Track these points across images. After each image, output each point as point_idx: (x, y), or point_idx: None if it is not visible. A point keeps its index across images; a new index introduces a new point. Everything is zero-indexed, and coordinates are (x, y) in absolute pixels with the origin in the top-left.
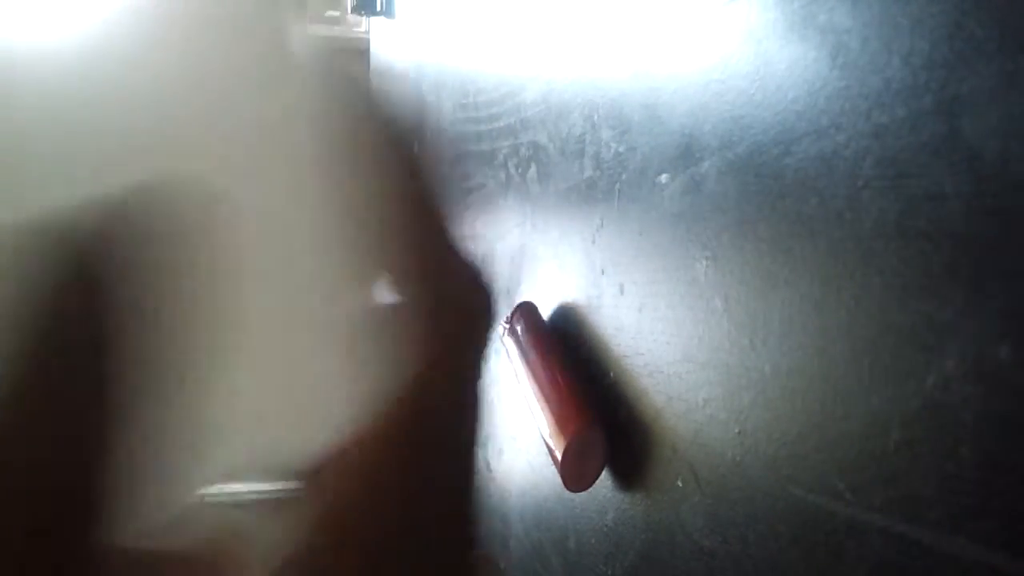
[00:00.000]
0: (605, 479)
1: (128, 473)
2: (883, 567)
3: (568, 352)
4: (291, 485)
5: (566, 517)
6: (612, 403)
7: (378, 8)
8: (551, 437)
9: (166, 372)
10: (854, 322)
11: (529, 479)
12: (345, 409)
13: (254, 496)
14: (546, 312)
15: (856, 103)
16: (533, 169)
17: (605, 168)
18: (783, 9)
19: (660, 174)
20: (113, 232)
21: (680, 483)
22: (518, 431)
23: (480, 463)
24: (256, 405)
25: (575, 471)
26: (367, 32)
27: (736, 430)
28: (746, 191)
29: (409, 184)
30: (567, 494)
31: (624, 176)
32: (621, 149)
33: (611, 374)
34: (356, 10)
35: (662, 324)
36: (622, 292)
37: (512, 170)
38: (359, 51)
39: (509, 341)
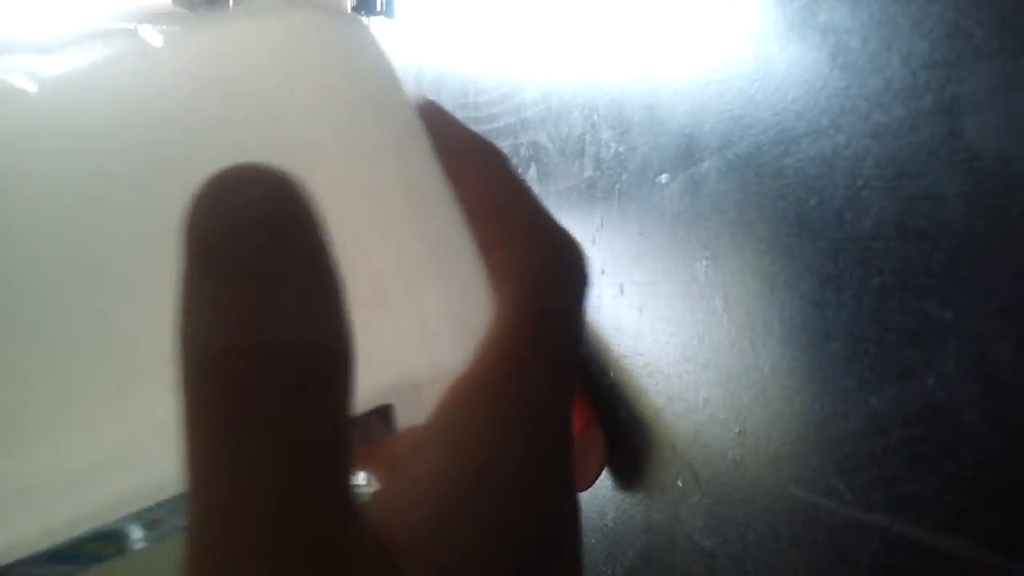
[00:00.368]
0: (605, 479)
1: None
2: (883, 567)
3: None
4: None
5: None
6: (612, 403)
7: (378, 8)
8: None
9: None
10: (854, 322)
11: None
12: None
13: None
14: None
15: (856, 103)
16: (533, 169)
17: (605, 168)
18: (783, 9)
19: (660, 174)
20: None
21: (680, 483)
22: None
23: None
24: None
25: (575, 471)
26: None
27: (736, 430)
28: (746, 191)
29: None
30: None
31: (624, 176)
32: (621, 149)
33: (611, 374)
34: (356, 10)
35: (662, 324)
36: (622, 292)
37: None
38: None
39: None
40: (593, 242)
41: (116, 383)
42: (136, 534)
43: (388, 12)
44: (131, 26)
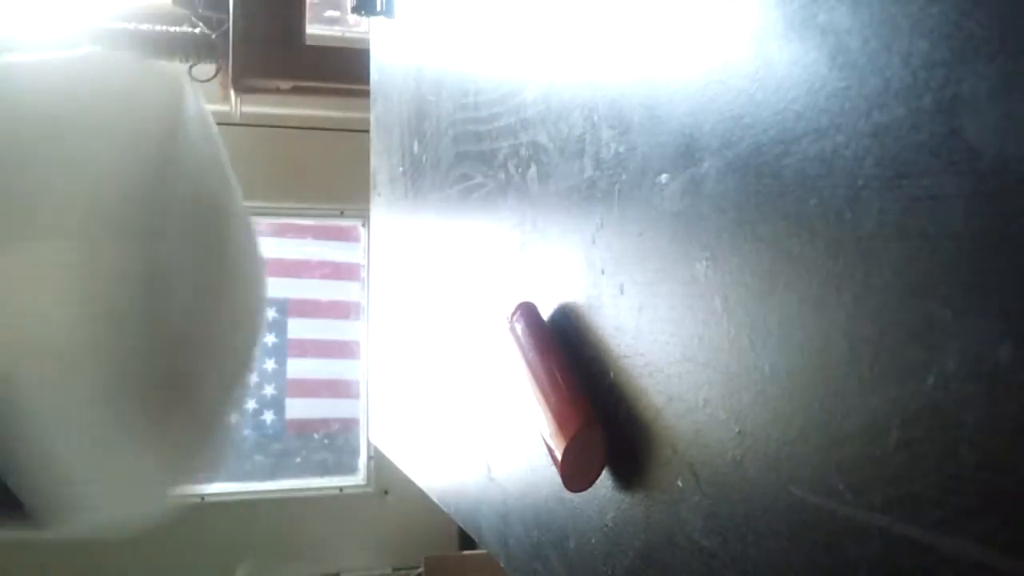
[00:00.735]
0: (605, 479)
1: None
2: (883, 567)
3: (568, 352)
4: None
5: (566, 517)
6: (612, 403)
7: (378, 8)
8: (551, 437)
9: None
10: (854, 322)
11: (529, 479)
12: None
13: None
14: (546, 312)
15: (856, 103)
16: (533, 169)
17: (605, 168)
18: (783, 9)
19: (660, 174)
20: None
21: (680, 483)
22: (518, 431)
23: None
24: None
25: (575, 471)
26: (367, 32)
27: (736, 430)
28: (746, 191)
29: None
30: (567, 494)
31: (624, 176)
32: (621, 149)
33: (611, 374)
34: (356, 10)
35: (662, 324)
36: (622, 292)
37: (512, 170)
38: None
39: (509, 341)
40: (593, 242)
41: None
42: None
43: (388, 12)
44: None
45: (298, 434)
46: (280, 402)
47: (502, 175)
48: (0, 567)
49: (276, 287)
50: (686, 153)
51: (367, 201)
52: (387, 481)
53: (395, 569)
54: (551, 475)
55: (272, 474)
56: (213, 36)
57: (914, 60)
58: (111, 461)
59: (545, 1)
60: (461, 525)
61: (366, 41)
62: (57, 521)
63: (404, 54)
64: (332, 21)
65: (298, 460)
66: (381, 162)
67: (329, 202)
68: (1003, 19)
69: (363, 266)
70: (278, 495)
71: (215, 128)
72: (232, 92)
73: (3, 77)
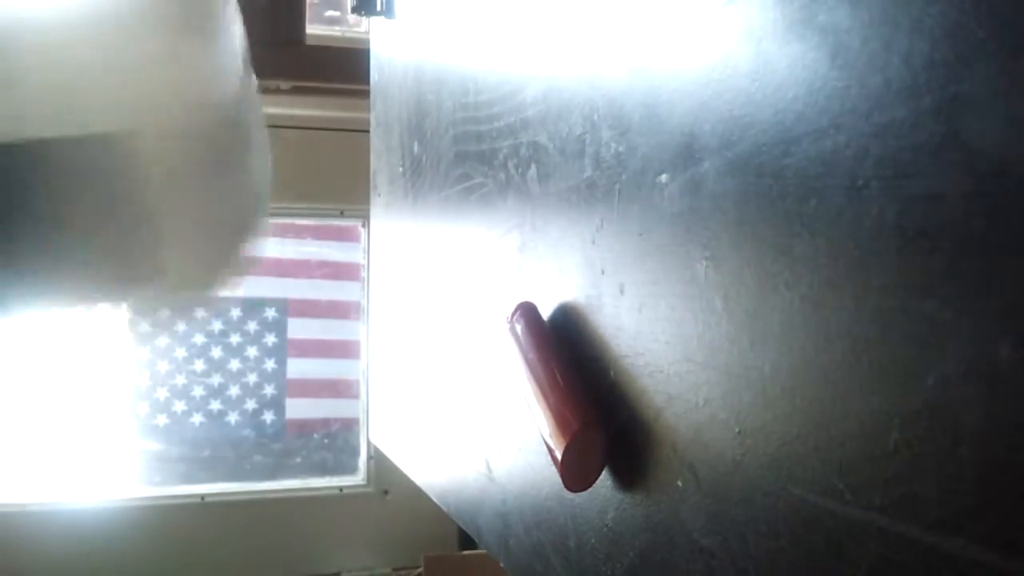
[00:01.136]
0: (605, 479)
1: None
2: (883, 567)
3: (568, 352)
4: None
5: (566, 517)
6: (612, 403)
7: (378, 8)
8: (551, 437)
9: None
10: (854, 322)
11: (529, 479)
12: None
13: None
14: (546, 312)
15: (856, 103)
16: (533, 169)
17: (605, 168)
18: (783, 9)
19: (660, 174)
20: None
21: (680, 483)
22: (518, 431)
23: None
24: None
25: (575, 471)
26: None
27: (736, 430)
28: (746, 191)
29: None
30: (567, 494)
31: (624, 176)
32: (621, 149)
33: (611, 374)
34: (356, 10)
35: (662, 324)
36: (622, 292)
37: (512, 170)
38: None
39: (509, 341)
40: (593, 242)
41: None
42: None
43: (388, 12)
44: None
45: (298, 434)
46: (280, 402)
47: (502, 175)
48: (9, 566)
49: (276, 287)
50: (686, 153)
51: (367, 201)
52: (387, 481)
53: (395, 569)
54: (551, 475)
55: (272, 474)
56: None
57: (914, 60)
58: (199, 226)
59: (545, 1)
60: (461, 525)
61: (366, 41)
62: (144, 285)
63: (404, 54)
64: (332, 21)
65: (298, 460)
66: (381, 162)
67: (329, 202)
68: (1003, 19)
69: (363, 266)
70: (278, 495)
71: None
72: None
73: None
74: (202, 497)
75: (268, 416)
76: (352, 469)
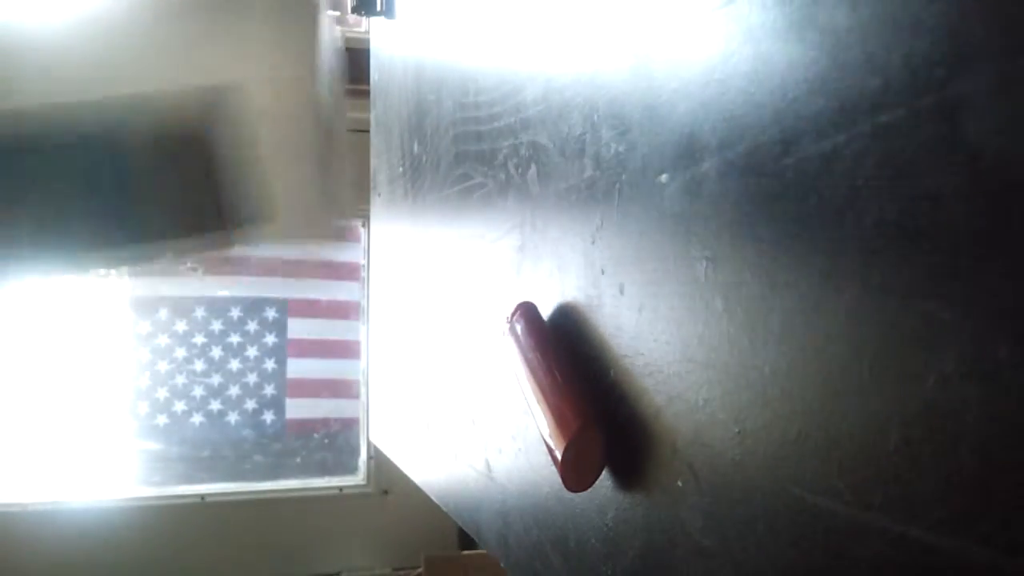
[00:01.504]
0: (605, 479)
1: None
2: (883, 567)
3: (568, 352)
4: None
5: (566, 517)
6: (612, 403)
7: (378, 8)
8: (551, 437)
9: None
10: (854, 322)
11: (529, 479)
12: None
13: None
14: (546, 312)
15: (856, 103)
16: (533, 169)
17: (605, 168)
18: (783, 9)
19: (660, 174)
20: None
21: (680, 483)
22: (518, 431)
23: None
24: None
25: (575, 471)
26: (367, 32)
27: (736, 430)
28: (746, 191)
29: None
30: (567, 494)
31: (624, 176)
32: (621, 149)
33: (611, 374)
34: (356, 10)
35: (662, 324)
36: (622, 292)
37: (512, 170)
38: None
39: (509, 341)
40: (593, 242)
41: None
42: None
43: (388, 12)
44: None
45: (298, 434)
46: (280, 402)
47: (502, 175)
48: (9, 566)
49: (276, 287)
50: (686, 153)
51: (367, 201)
52: (387, 481)
53: (395, 569)
54: (551, 475)
55: (272, 474)
56: None
57: (914, 60)
58: (301, 180)
59: (545, 1)
60: (461, 525)
61: (366, 41)
62: (247, 234)
63: (404, 54)
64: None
65: (298, 460)
66: (381, 162)
67: None
68: (1003, 19)
69: (363, 266)
70: (278, 495)
71: None
72: None
73: None
74: (202, 497)
75: (268, 416)
76: (352, 469)
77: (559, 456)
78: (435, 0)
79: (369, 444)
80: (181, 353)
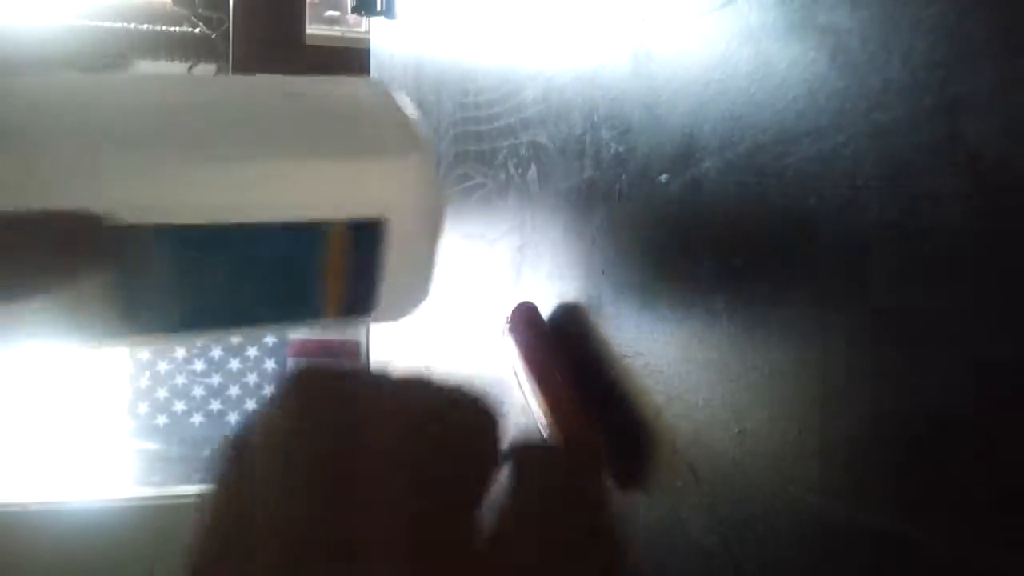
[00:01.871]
0: (605, 479)
1: None
2: (883, 567)
3: (568, 352)
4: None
5: None
6: (612, 403)
7: (378, 8)
8: (551, 437)
9: None
10: (854, 322)
11: None
12: None
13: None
14: (546, 312)
15: (856, 103)
16: (533, 169)
17: (605, 168)
18: (783, 9)
19: (660, 174)
20: None
21: (680, 483)
22: (517, 430)
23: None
24: None
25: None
26: (367, 32)
27: (736, 430)
28: (746, 191)
29: None
30: None
31: (624, 176)
32: (621, 149)
33: (611, 374)
34: (356, 10)
35: (662, 324)
36: (622, 292)
37: (512, 170)
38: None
39: (509, 341)
40: (593, 242)
41: None
42: None
43: (388, 12)
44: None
45: None
46: None
47: (502, 175)
48: (9, 565)
49: None
50: (686, 153)
51: None
52: None
53: None
54: None
55: None
56: (213, 36)
57: (914, 60)
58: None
59: (545, 1)
60: None
61: (366, 41)
62: (351, 321)
63: (404, 54)
64: (332, 21)
65: None
66: None
67: None
68: (1003, 19)
69: None
70: None
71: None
72: None
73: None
74: (202, 497)
75: None
76: None
77: None
78: (435, 0)
79: None
80: (181, 353)
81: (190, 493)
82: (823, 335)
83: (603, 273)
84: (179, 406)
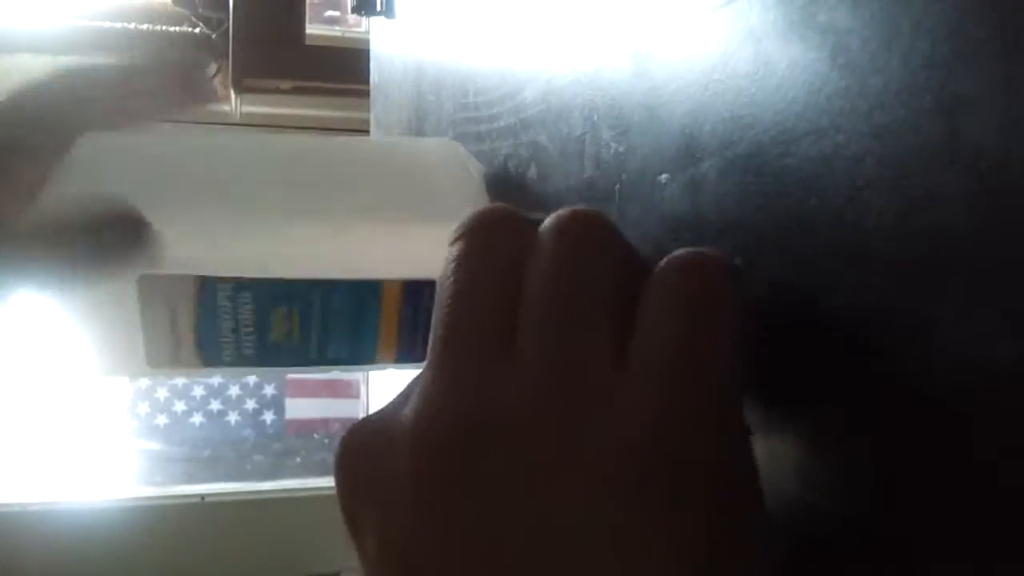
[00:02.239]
0: None
1: None
2: (883, 567)
3: None
4: None
5: None
6: None
7: (378, 8)
8: None
9: None
10: (854, 322)
11: None
12: None
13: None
14: None
15: (856, 103)
16: (533, 169)
17: (605, 168)
18: (783, 9)
19: (660, 174)
20: None
21: None
22: None
23: None
24: None
25: None
26: (367, 32)
27: None
28: (746, 191)
29: None
30: None
31: (624, 176)
32: (621, 149)
33: None
34: (356, 10)
35: None
36: None
37: (512, 170)
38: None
39: None
40: None
41: None
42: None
43: (388, 12)
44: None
45: (298, 434)
46: (280, 402)
47: (502, 175)
48: (9, 566)
49: None
50: (686, 153)
51: None
52: None
53: None
54: None
55: (272, 474)
56: (213, 36)
57: (914, 60)
58: None
59: (545, 1)
60: None
61: (366, 41)
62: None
63: (404, 54)
64: (332, 21)
65: (298, 460)
66: None
67: None
68: (1003, 19)
69: None
70: (278, 495)
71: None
72: (232, 92)
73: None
74: (202, 497)
75: (268, 416)
76: None
77: None
78: (435, 0)
79: None
80: None
81: (190, 493)
82: (823, 335)
83: None
84: (179, 406)
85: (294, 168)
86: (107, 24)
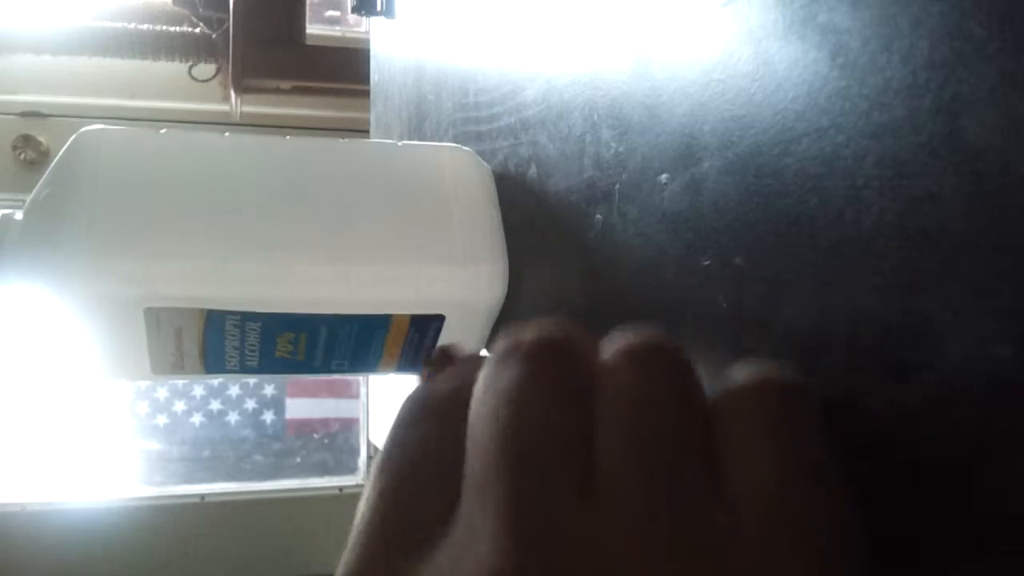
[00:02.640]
0: None
1: None
2: (883, 568)
3: None
4: None
5: None
6: None
7: (378, 8)
8: None
9: None
10: (854, 322)
11: None
12: None
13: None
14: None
15: (856, 103)
16: (533, 169)
17: (605, 168)
18: (783, 9)
19: (660, 174)
20: None
21: None
22: None
23: None
24: None
25: None
26: (367, 32)
27: None
28: (746, 191)
29: None
30: None
31: (624, 176)
32: (621, 149)
33: None
34: (356, 10)
35: (661, 324)
36: (622, 292)
37: (512, 170)
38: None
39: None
40: (593, 242)
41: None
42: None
43: (388, 12)
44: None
45: (298, 434)
46: (280, 402)
47: (502, 175)
48: (9, 566)
49: None
50: (686, 153)
51: None
52: None
53: None
54: None
55: (272, 474)
56: (213, 36)
57: (914, 60)
58: None
59: (545, 2)
60: None
61: (366, 41)
62: None
63: (404, 54)
64: (332, 21)
65: (298, 460)
66: None
67: None
68: (1003, 19)
69: None
70: (278, 495)
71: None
72: (232, 92)
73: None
74: (202, 497)
75: (268, 416)
76: (352, 469)
77: None
78: (435, 0)
79: (369, 444)
80: None
81: (190, 493)
82: (823, 335)
83: (603, 273)
84: (179, 406)
85: (302, 204)
86: (107, 24)
